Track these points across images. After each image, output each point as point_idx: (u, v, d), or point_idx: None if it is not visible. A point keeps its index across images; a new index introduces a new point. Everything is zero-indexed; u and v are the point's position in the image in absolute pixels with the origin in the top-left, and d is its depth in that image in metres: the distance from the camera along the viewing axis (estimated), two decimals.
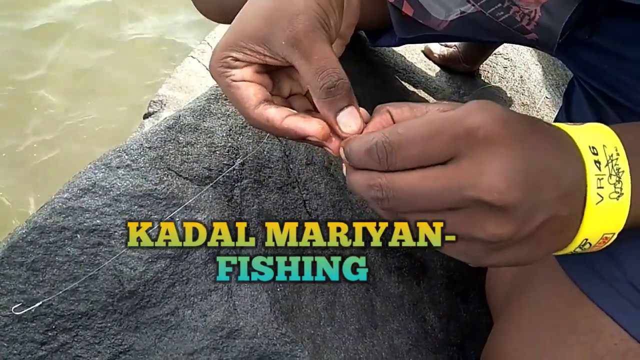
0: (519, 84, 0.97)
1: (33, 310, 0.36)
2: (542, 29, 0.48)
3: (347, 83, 0.32)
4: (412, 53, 0.92)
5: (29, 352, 0.35)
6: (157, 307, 0.38)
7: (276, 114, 0.33)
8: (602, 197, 0.29)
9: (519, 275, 0.48)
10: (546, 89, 0.99)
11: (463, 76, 0.94)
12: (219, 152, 0.46)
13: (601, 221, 0.29)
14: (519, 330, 0.44)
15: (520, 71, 1.00)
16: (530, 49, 1.07)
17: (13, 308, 0.36)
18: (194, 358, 0.37)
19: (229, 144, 0.47)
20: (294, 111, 0.34)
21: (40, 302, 0.36)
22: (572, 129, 0.29)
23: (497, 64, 1.00)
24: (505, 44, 1.00)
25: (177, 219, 0.40)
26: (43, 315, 0.36)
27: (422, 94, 0.84)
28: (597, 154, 0.28)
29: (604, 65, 0.48)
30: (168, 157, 0.42)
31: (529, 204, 0.26)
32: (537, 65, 1.04)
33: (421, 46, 0.96)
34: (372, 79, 0.76)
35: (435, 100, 0.84)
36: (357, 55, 0.78)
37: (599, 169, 0.28)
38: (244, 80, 0.34)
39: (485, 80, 0.97)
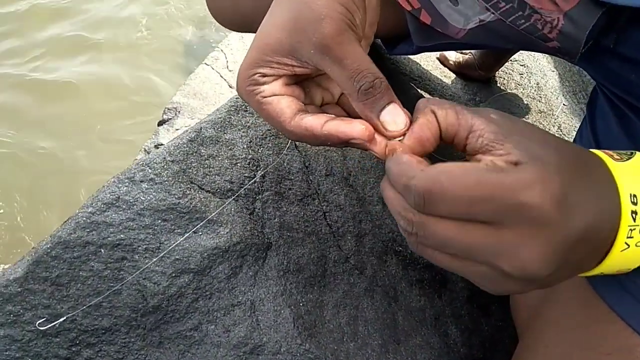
0: (535, 91, 0.96)
1: (57, 326, 0.36)
2: (565, 37, 0.48)
3: (384, 81, 0.32)
4: (427, 60, 0.92)
5: (45, 357, 0.35)
6: (180, 323, 0.38)
7: (314, 122, 0.32)
8: (629, 246, 0.28)
9: (544, 291, 0.47)
10: (563, 96, 0.98)
11: (479, 83, 0.93)
12: (240, 164, 0.46)
13: (621, 262, 0.29)
14: (544, 347, 0.43)
15: (537, 78, 0.99)
16: (547, 56, 1.06)
17: (37, 323, 0.36)
18: None
19: (250, 156, 0.47)
20: (332, 115, 0.33)
21: (65, 317, 0.36)
22: (616, 168, 0.28)
23: (513, 71, 0.99)
24: (521, 51, 0.99)
25: (200, 233, 0.40)
26: (67, 331, 0.36)
27: None
28: (636, 204, 0.28)
29: (630, 75, 0.47)
30: (190, 170, 0.42)
31: (556, 275, 0.26)
32: (553, 72, 1.03)
33: (436, 53, 0.95)
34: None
35: None
36: (374, 62, 0.77)
37: (634, 219, 0.28)
38: (275, 95, 0.33)
39: (502, 88, 0.96)
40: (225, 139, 0.46)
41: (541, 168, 0.25)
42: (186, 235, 0.38)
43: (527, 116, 0.91)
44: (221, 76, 1.18)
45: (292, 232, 0.45)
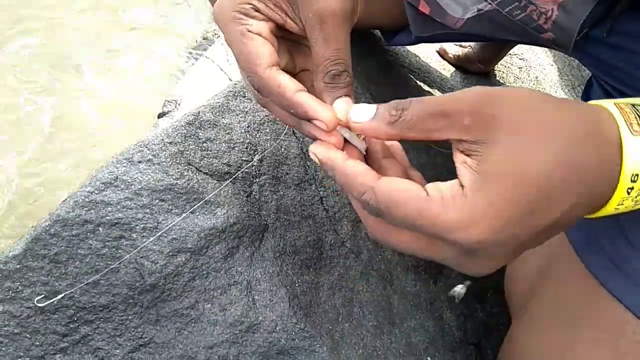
0: (534, 84, 0.96)
1: (55, 302, 0.36)
2: (559, 28, 0.48)
3: (351, 79, 0.33)
4: (426, 53, 0.92)
5: (50, 344, 0.36)
6: (177, 301, 0.38)
7: (290, 83, 0.32)
8: (618, 209, 0.29)
9: (538, 271, 0.47)
10: (562, 89, 0.98)
11: (478, 76, 0.94)
12: (237, 148, 0.46)
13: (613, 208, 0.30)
14: (538, 326, 0.44)
15: (536, 72, 0.99)
16: (546, 50, 1.06)
17: (36, 300, 0.36)
18: (214, 352, 0.38)
19: (247, 141, 0.47)
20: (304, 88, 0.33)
21: (63, 295, 0.36)
22: (630, 142, 0.27)
23: (512, 65, 0.99)
24: (520, 45, 0.99)
25: (197, 214, 0.40)
26: (65, 307, 0.36)
27: (437, 93, 0.84)
28: (635, 181, 0.28)
29: (620, 64, 0.48)
30: (188, 152, 0.43)
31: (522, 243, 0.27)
32: (552, 66, 1.03)
33: (436, 46, 0.96)
34: (388, 77, 0.76)
35: None
36: (373, 54, 0.78)
37: (628, 193, 0.28)
38: (260, 35, 0.33)
39: (500, 81, 0.96)
40: (223, 123, 0.47)
41: (475, 207, 0.25)
42: (183, 215, 0.39)
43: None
44: (221, 69, 1.19)
45: (289, 215, 0.45)
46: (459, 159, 0.27)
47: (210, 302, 0.39)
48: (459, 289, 0.53)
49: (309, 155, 0.52)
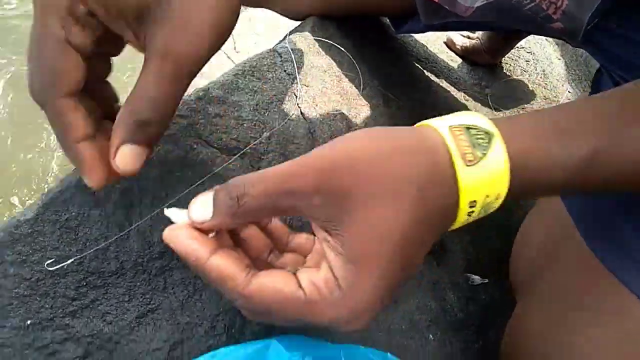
0: (541, 77, 0.96)
1: (65, 267, 0.37)
2: (568, 17, 0.48)
3: (160, 131, 0.31)
4: (434, 44, 0.92)
5: (60, 307, 0.36)
6: (185, 269, 0.39)
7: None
8: (463, 224, 0.30)
9: (544, 253, 0.48)
10: (569, 83, 0.98)
11: (485, 68, 0.94)
12: (246, 125, 0.47)
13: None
14: (543, 308, 0.44)
15: (543, 65, 0.99)
16: (553, 43, 1.06)
17: (46, 264, 0.37)
18: (220, 319, 0.38)
19: (256, 118, 0.48)
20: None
21: (72, 259, 0.37)
22: (464, 171, 0.27)
23: (519, 57, 0.99)
24: (528, 37, 0.99)
25: (206, 186, 0.41)
26: (75, 272, 0.37)
27: (444, 84, 0.84)
28: (474, 207, 0.28)
29: (630, 55, 0.48)
30: (198, 126, 0.43)
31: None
32: (559, 59, 1.03)
33: (443, 37, 0.96)
34: (395, 66, 0.76)
35: (456, 91, 0.84)
36: (381, 42, 0.78)
37: (470, 215, 0.29)
38: (79, 52, 0.29)
39: (507, 73, 0.96)
40: (232, 100, 0.47)
41: (356, 304, 0.26)
42: (193, 186, 0.39)
43: (532, 102, 0.92)
44: (228, 57, 1.19)
45: None
46: (320, 235, 0.28)
47: None
48: (477, 280, 0.54)
49: (315, 137, 0.52)
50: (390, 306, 0.45)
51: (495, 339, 0.51)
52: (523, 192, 0.30)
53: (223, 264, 0.27)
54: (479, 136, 0.28)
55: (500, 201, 0.29)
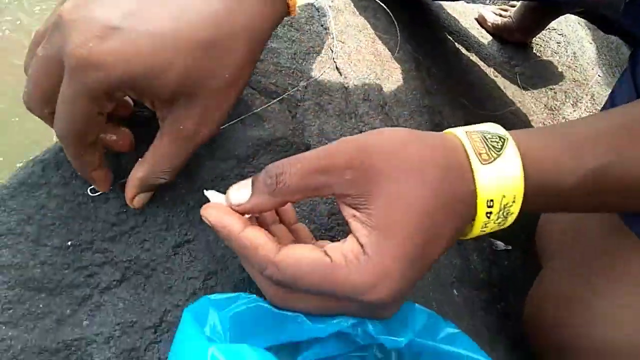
0: (571, 60, 0.95)
1: (107, 193, 0.38)
2: None
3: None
4: (465, 18, 0.91)
5: (100, 231, 0.37)
6: None
7: None
8: (484, 230, 0.31)
9: (570, 219, 0.48)
10: (600, 68, 0.97)
11: (515, 47, 0.93)
12: (284, 72, 0.47)
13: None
14: (569, 271, 0.44)
15: (574, 48, 0.98)
16: (585, 27, 1.04)
17: (88, 189, 0.38)
18: None
19: (294, 67, 0.48)
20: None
21: (112, 185, 0.38)
22: (480, 169, 0.29)
23: (550, 39, 0.98)
24: (559, 19, 0.98)
25: (246, 124, 0.41)
26: (115, 198, 0.38)
27: (474, 58, 0.83)
28: (492, 207, 0.29)
29: None
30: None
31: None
32: (591, 44, 1.02)
33: (474, 13, 0.95)
34: (428, 35, 0.76)
35: (485, 67, 0.84)
36: (415, 10, 0.77)
37: (488, 217, 0.30)
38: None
39: (537, 54, 0.95)
40: (271, 47, 0.48)
41: (380, 267, 0.27)
42: (234, 121, 0.40)
43: (560, 84, 0.91)
44: None
45: (330, 141, 0.46)
46: (347, 212, 0.29)
47: None
48: (501, 245, 0.54)
49: (349, 92, 0.52)
50: None
51: (515, 302, 0.52)
52: (538, 199, 0.31)
53: (255, 235, 0.29)
54: (493, 139, 0.30)
55: (517, 206, 0.30)
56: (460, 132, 0.31)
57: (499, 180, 0.29)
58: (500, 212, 0.30)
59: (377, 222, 0.27)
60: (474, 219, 0.30)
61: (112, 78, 0.28)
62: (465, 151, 0.29)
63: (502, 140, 0.30)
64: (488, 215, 0.30)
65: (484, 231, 0.32)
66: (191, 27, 0.29)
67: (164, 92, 0.30)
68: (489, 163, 0.29)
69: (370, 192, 0.27)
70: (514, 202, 0.30)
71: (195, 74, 0.30)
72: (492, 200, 0.29)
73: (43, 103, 0.31)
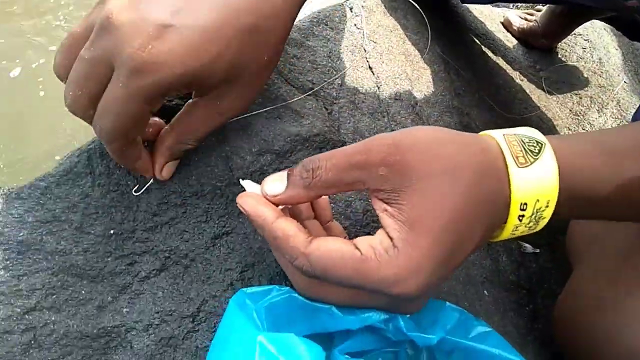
0: (597, 65, 0.95)
1: (149, 185, 0.38)
2: None
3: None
4: (491, 22, 0.91)
5: (141, 221, 0.38)
6: None
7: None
8: (514, 233, 0.31)
9: (604, 221, 0.48)
10: (625, 73, 0.96)
11: (540, 52, 0.93)
12: (320, 69, 0.47)
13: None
14: (600, 272, 0.44)
15: (600, 53, 0.97)
16: (611, 33, 1.04)
17: (133, 190, 0.38)
18: None
19: (330, 65, 0.48)
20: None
21: (152, 180, 0.38)
22: (516, 176, 0.29)
23: (576, 44, 0.98)
24: (585, 25, 0.97)
25: (285, 120, 0.42)
26: (157, 189, 0.38)
27: (500, 61, 0.83)
28: (525, 210, 0.29)
29: None
30: (278, 64, 0.44)
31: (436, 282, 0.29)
32: (617, 50, 1.01)
33: (501, 17, 0.94)
34: (455, 37, 0.76)
35: (511, 70, 0.83)
36: (442, 12, 0.78)
37: (520, 220, 0.30)
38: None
39: (562, 59, 0.95)
40: (308, 44, 0.48)
41: (409, 261, 0.27)
42: (270, 107, 0.40)
43: (586, 89, 0.90)
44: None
45: (364, 139, 0.47)
46: (378, 206, 0.29)
47: None
48: (529, 248, 0.54)
49: (381, 90, 0.53)
50: None
51: (544, 305, 0.52)
52: (570, 205, 0.31)
53: (288, 225, 0.29)
54: (531, 144, 0.30)
55: (550, 211, 0.30)
56: (497, 135, 0.31)
57: (534, 184, 0.29)
58: (533, 216, 0.30)
59: (409, 218, 0.27)
60: (505, 222, 0.30)
61: (170, 79, 0.29)
62: (502, 153, 0.30)
63: (540, 145, 0.30)
64: (520, 218, 0.30)
65: (514, 234, 0.32)
66: (236, 15, 0.30)
67: (212, 82, 0.31)
68: (525, 167, 0.29)
69: (404, 188, 0.27)
70: (547, 206, 0.30)
71: (241, 59, 0.31)
72: (525, 204, 0.29)
73: (90, 106, 0.31)
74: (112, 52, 0.28)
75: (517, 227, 0.30)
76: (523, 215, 0.30)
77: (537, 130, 0.32)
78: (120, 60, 0.28)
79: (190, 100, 0.34)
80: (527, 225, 0.31)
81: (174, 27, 0.28)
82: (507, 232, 0.31)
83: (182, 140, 0.35)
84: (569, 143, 0.32)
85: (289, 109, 0.42)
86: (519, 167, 0.29)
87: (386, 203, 0.28)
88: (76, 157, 0.38)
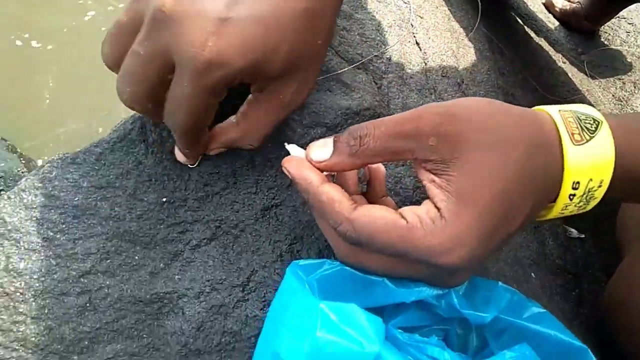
0: None
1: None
2: None
3: None
4: (533, 2, 0.89)
5: (193, 190, 0.38)
6: None
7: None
8: (563, 213, 0.30)
9: None
10: None
11: (582, 34, 0.90)
12: (368, 43, 0.46)
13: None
14: None
15: None
16: None
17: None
18: None
19: (378, 38, 0.47)
20: None
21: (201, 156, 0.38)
22: (570, 153, 0.28)
23: (619, 27, 0.94)
24: (630, 8, 0.94)
25: (335, 93, 0.41)
26: (208, 160, 0.38)
27: (543, 42, 0.81)
28: (577, 189, 0.28)
29: None
30: None
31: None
32: None
33: None
34: (499, 16, 0.74)
35: (553, 52, 0.81)
36: None
37: (571, 199, 0.29)
38: None
39: (605, 42, 0.92)
40: (357, 17, 0.47)
41: (457, 231, 0.26)
42: (321, 77, 0.40)
43: (629, 74, 0.87)
44: None
45: None
46: (425, 177, 0.28)
47: None
48: (575, 233, 0.53)
49: (428, 67, 0.52)
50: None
51: (589, 290, 0.51)
52: (624, 186, 0.30)
53: (333, 190, 0.29)
54: (587, 121, 0.29)
55: (602, 191, 0.29)
56: (553, 110, 0.30)
57: (589, 162, 0.28)
58: (584, 196, 0.29)
59: (457, 189, 0.27)
60: (554, 200, 0.29)
61: (234, 72, 0.28)
62: (557, 129, 0.29)
63: (597, 122, 0.29)
64: (571, 197, 0.29)
65: (563, 213, 0.31)
66: (291, 2, 0.29)
67: (272, 72, 0.31)
68: (580, 144, 0.28)
69: (453, 159, 0.27)
70: (600, 186, 0.29)
71: (298, 47, 0.30)
72: (578, 183, 0.28)
73: (149, 100, 0.31)
74: (170, 49, 0.28)
75: (566, 206, 0.30)
76: (574, 195, 0.29)
77: (592, 108, 0.31)
78: (182, 60, 0.28)
79: (250, 97, 0.34)
80: (577, 205, 0.30)
81: (231, 20, 0.28)
82: (555, 211, 0.30)
83: (246, 139, 0.35)
84: (625, 122, 0.31)
85: (339, 82, 0.41)
86: (574, 144, 0.28)
87: (434, 173, 0.28)
88: (130, 124, 0.38)
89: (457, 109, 0.28)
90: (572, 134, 0.28)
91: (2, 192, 0.68)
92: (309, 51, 0.32)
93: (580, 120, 0.29)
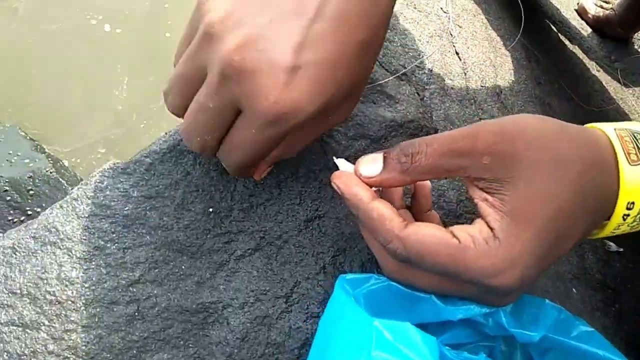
0: None
1: None
2: None
3: None
4: (566, 9, 0.87)
5: (238, 201, 0.38)
6: None
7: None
8: (614, 232, 0.30)
9: None
10: None
11: (615, 42, 0.88)
12: (410, 54, 0.46)
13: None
14: None
15: None
16: None
17: None
18: None
19: (419, 49, 0.47)
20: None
21: None
22: (626, 173, 0.28)
23: None
24: None
25: (379, 105, 0.41)
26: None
27: (577, 50, 0.80)
28: (631, 209, 0.28)
29: None
30: None
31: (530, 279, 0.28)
32: None
33: (575, 4, 0.90)
34: (533, 24, 0.73)
35: (587, 60, 0.80)
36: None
37: (624, 219, 0.28)
38: None
39: (639, 50, 0.90)
40: (399, 28, 0.47)
41: (510, 253, 0.26)
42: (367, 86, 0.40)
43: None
44: None
45: (455, 126, 0.45)
46: (477, 195, 0.28)
47: None
48: (614, 247, 0.52)
49: (468, 77, 0.51)
50: None
51: (628, 305, 0.50)
52: None
53: (384, 207, 0.29)
54: (636, 222, 0.29)
55: None
56: (608, 129, 0.30)
57: None
58: (638, 216, 0.29)
59: (512, 209, 0.26)
60: (608, 219, 0.29)
61: (305, 119, 0.28)
62: (613, 149, 0.28)
63: None
64: (624, 217, 0.28)
65: (614, 233, 0.30)
66: (354, 34, 0.28)
67: (334, 106, 0.30)
68: (636, 164, 0.28)
69: (507, 178, 0.27)
70: None
71: (358, 78, 0.30)
72: (632, 203, 0.28)
73: (217, 146, 0.31)
74: (240, 102, 0.27)
75: (619, 225, 0.29)
76: (628, 215, 0.28)
77: None
78: (252, 112, 0.27)
79: None
80: (630, 225, 0.30)
81: (301, 69, 0.27)
82: (607, 230, 0.30)
83: (288, 151, 0.34)
84: None
85: (383, 94, 0.41)
86: (630, 164, 0.28)
87: (487, 192, 0.28)
88: (179, 135, 0.38)
89: (512, 127, 0.28)
90: (629, 153, 0.28)
91: (30, 192, 0.69)
92: (364, 77, 0.32)
93: (637, 139, 0.29)
